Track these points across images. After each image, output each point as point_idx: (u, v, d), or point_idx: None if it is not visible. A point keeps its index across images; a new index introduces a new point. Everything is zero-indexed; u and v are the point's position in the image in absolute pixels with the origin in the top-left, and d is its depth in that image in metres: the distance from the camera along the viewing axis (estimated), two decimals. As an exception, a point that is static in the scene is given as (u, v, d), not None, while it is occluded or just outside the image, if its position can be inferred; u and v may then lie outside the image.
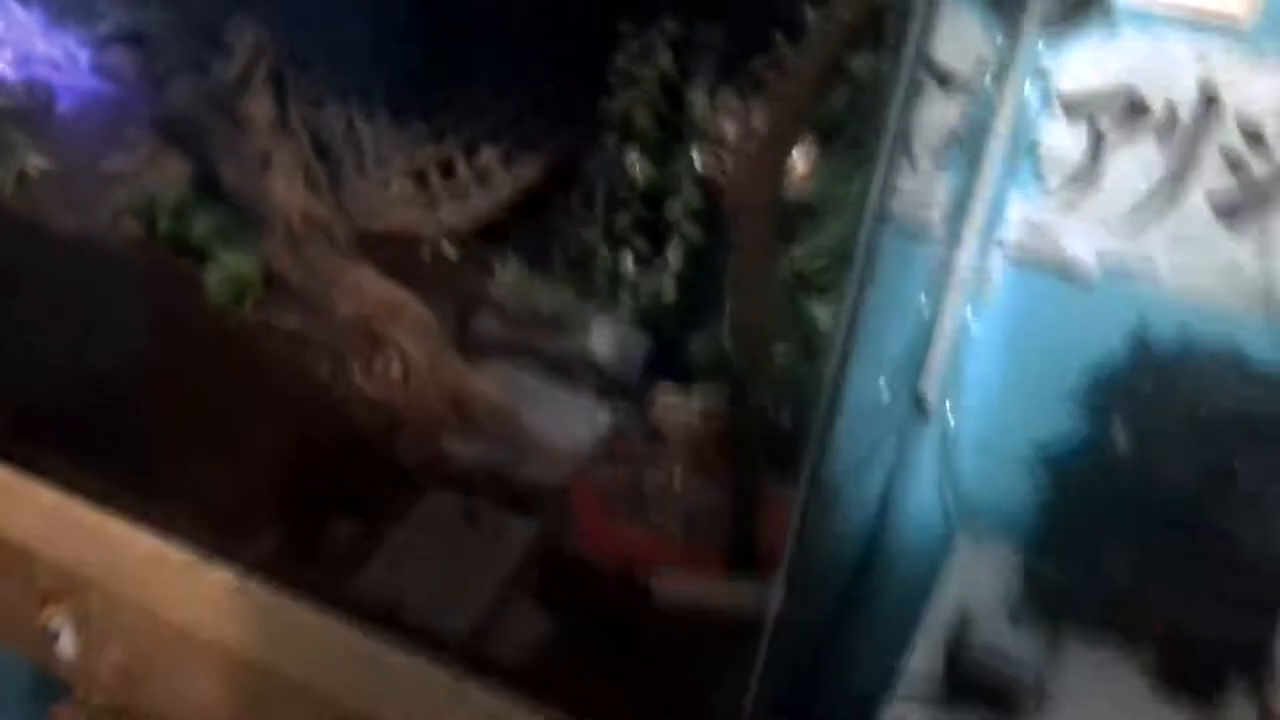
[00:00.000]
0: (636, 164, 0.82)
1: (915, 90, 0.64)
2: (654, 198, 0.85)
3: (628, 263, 0.88)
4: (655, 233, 0.86)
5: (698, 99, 0.79)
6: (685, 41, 0.78)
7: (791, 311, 0.75)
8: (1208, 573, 0.98)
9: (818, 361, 0.72)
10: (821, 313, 0.76)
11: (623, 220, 0.86)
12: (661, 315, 0.89)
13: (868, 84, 0.66)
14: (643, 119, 0.80)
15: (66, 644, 1.00)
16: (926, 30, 0.64)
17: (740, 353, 0.75)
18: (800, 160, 0.69)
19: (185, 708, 1.00)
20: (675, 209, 0.83)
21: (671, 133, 0.82)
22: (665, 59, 0.78)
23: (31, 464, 1.02)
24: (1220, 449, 0.97)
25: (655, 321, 0.90)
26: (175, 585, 0.97)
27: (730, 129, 0.73)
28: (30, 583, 1.01)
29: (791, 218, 0.72)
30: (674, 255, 0.84)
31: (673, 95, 0.80)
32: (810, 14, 0.68)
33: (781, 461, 0.80)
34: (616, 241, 0.88)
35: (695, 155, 0.78)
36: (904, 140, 0.66)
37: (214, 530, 0.97)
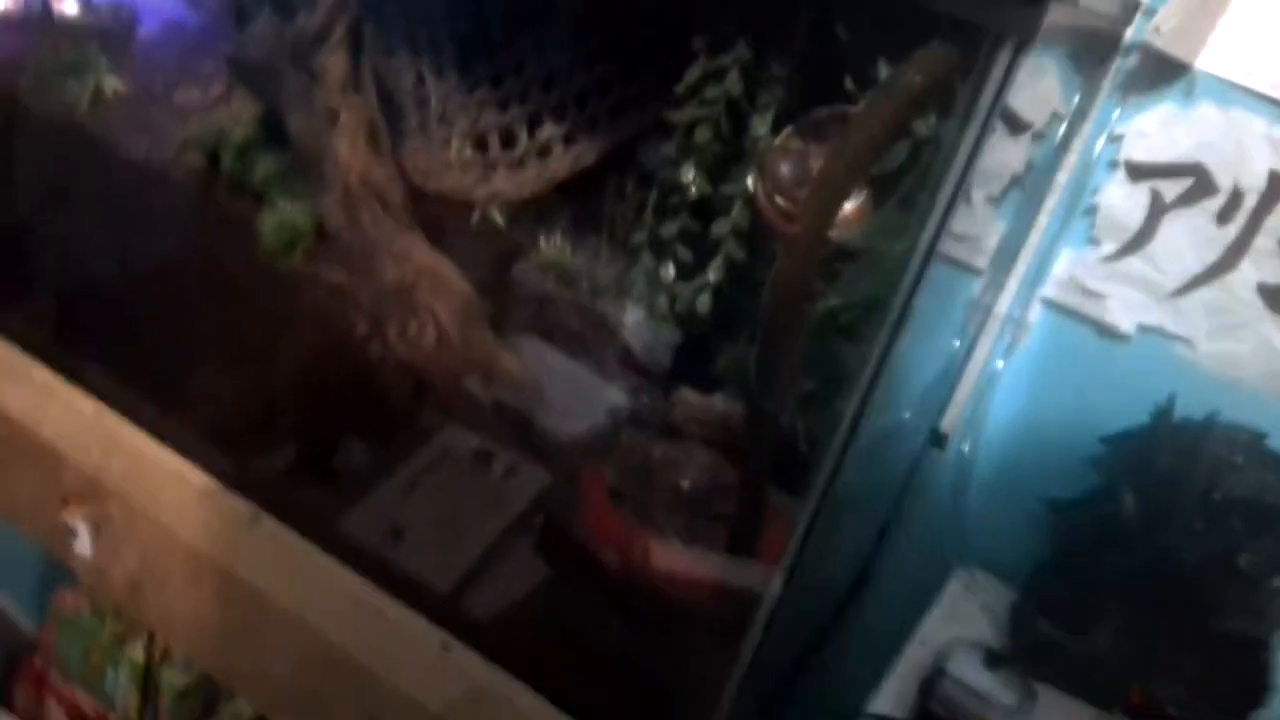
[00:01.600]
0: (691, 177, 0.83)
1: (983, 141, 0.64)
2: (703, 212, 0.85)
3: (669, 269, 0.88)
4: (700, 246, 0.86)
5: (760, 129, 0.79)
6: (758, 72, 0.78)
7: (820, 349, 0.76)
8: (1194, 653, 0.98)
9: (840, 394, 0.73)
10: (848, 352, 0.77)
11: (669, 227, 0.87)
12: (695, 325, 0.90)
13: (929, 144, 0.67)
14: (703, 135, 0.80)
15: (84, 544, 1.04)
16: (1006, 83, 0.63)
17: (763, 380, 0.76)
18: (851, 208, 0.70)
19: (184, 623, 1.04)
20: (723, 227, 0.83)
21: (730, 155, 0.82)
22: (735, 84, 0.77)
23: (73, 371, 1.06)
24: (1227, 533, 0.97)
25: (688, 329, 0.91)
26: (193, 507, 1.00)
27: (786, 168, 0.73)
28: (56, 481, 1.05)
29: (833, 263, 0.72)
30: (715, 271, 0.85)
31: (737, 120, 0.80)
32: (884, 69, 0.68)
33: (793, 479, 0.81)
34: (660, 246, 0.89)
35: (750, 181, 0.79)
36: (964, 186, 0.66)
37: (236, 460, 1.01)
